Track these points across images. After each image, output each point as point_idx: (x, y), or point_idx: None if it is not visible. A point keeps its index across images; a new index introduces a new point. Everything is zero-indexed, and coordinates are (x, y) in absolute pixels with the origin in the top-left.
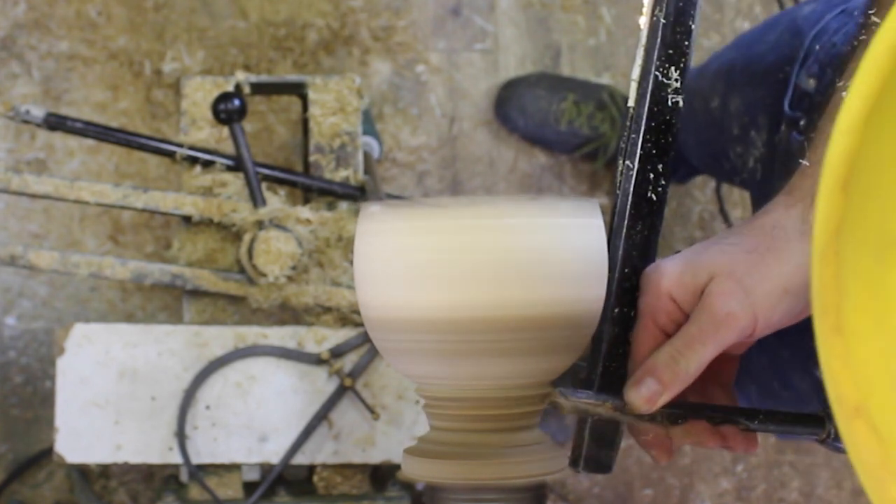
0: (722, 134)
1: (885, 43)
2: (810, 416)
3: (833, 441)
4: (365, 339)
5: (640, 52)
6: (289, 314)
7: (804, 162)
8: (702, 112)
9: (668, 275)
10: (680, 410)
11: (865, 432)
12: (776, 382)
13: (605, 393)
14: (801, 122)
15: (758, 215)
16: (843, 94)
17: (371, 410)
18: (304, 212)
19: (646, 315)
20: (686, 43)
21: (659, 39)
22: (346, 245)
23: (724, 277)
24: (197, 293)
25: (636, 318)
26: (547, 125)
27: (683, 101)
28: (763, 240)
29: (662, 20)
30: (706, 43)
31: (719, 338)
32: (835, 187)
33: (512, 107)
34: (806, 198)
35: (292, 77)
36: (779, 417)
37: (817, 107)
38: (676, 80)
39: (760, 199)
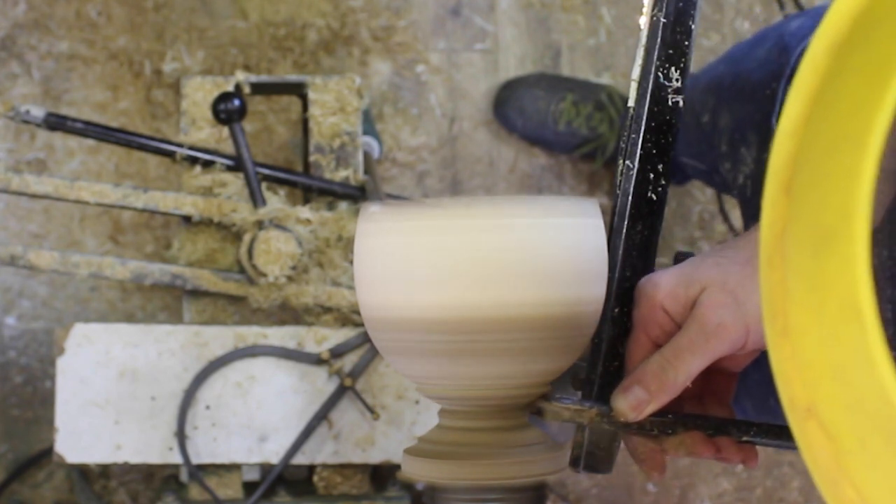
0: (713, 149)
1: (821, 43)
2: None
3: None
4: (365, 339)
5: (640, 52)
6: (289, 314)
7: None
8: (693, 127)
9: (663, 286)
10: (671, 420)
11: (817, 433)
12: (772, 398)
13: (597, 398)
14: None
15: (751, 230)
16: None
17: (371, 410)
18: (304, 212)
19: (639, 327)
20: (686, 43)
21: (659, 39)
22: (346, 245)
23: (715, 289)
24: (197, 293)
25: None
26: (545, 126)
27: None
28: (756, 253)
29: (662, 20)
30: (706, 43)
31: (709, 348)
32: (779, 191)
33: (511, 107)
34: None
35: (292, 77)
36: (774, 431)
37: None
38: (676, 80)
39: (751, 214)
